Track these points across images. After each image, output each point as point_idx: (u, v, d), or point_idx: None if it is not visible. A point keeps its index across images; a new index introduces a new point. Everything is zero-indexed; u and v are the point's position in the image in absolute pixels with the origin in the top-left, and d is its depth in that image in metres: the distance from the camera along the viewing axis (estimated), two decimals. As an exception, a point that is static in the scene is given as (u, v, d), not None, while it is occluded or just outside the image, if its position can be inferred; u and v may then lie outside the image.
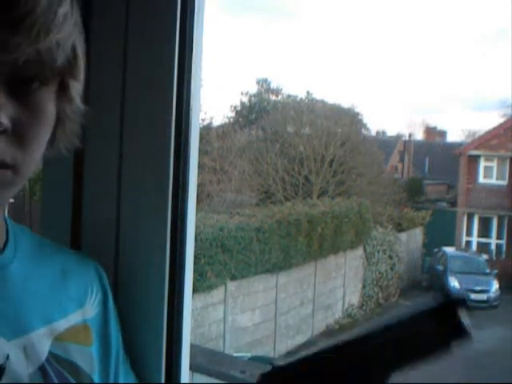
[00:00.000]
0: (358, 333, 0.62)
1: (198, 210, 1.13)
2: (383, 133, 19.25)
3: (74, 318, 0.84)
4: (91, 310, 0.89)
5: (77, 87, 0.75)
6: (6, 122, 0.67)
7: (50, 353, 0.78)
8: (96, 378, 0.84)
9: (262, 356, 9.29)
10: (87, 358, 0.83)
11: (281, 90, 16.86)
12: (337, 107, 15.32)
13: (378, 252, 13.04)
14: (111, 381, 0.88)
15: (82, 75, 0.75)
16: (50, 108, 0.72)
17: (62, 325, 0.82)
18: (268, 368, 0.66)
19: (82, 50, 0.73)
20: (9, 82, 0.67)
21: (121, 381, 0.91)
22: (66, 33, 0.68)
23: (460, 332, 0.58)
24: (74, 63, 0.72)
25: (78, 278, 0.89)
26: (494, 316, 11.81)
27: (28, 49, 0.65)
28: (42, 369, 0.76)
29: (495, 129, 15.37)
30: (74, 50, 0.71)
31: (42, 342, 0.78)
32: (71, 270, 0.89)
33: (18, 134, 0.69)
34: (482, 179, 15.45)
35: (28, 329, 0.77)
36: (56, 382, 0.77)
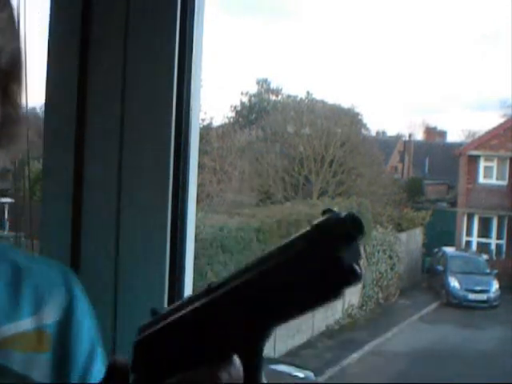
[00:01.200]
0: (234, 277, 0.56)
1: (197, 210, 1.13)
2: (383, 133, 19.17)
3: (24, 325, 0.81)
4: (50, 316, 0.84)
5: (19, 92, 0.75)
6: None
7: None
8: None
9: (261, 356, 9.28)
10: (35, 365, 0.80)
11: (281, 90, 16.80)
12: (337, 107, 15.28)
13: (378, 252, 13.02)
14: None
15: (23, 80, 0.75)
16: None
17: (7, 331, 0.79)
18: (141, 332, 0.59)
19: (23, 55, 0.73)
20: None
21: None
22: (8, 38, 0.68)
23: (348, 269, 0.52)
24: (17, 68, 0.72)
25: (36, 283, 0.85)
26: (493, 316, 11.81)
27: None
28: None
29: (495, 129, 15.35)
30: (16, 55, 0.71)
31: None
32: (29, 274, 0.85)
33: None
34: (482, 179, 15.43)
35: None
36: None
